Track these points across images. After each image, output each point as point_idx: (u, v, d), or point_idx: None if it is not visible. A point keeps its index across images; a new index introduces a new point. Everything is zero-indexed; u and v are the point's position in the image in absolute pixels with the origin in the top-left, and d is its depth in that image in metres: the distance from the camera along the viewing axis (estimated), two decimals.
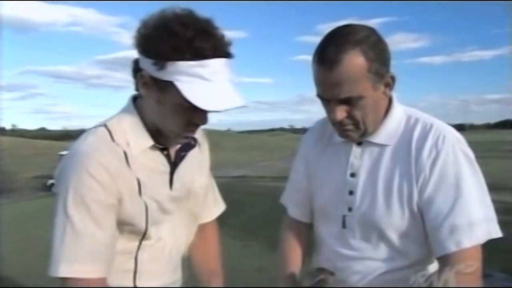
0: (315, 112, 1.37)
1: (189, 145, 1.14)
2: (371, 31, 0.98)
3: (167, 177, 1.10)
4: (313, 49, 1.03)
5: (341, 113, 0.99)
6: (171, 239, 1.17)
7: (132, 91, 1.08)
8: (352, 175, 1.10)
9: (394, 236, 1.05)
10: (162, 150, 1.08)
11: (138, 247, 1.10)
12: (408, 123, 1.07)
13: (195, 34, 0.88)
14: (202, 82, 0.89)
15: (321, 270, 1.11)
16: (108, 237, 0.99)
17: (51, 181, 12.79)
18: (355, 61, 0.93)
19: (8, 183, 14.87)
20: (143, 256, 1.11)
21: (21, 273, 4.92)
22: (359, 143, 1.11)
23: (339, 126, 1.04)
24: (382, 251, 1.08)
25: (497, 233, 0.97)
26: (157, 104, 0.97)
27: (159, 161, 1.09)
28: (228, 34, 0.96)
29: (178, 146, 1.12)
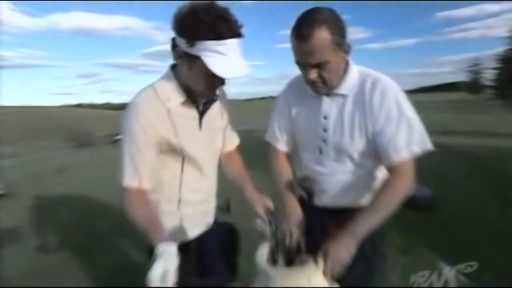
0: None
1: (212, 100, 1.31)
2: (332, 12, 1.11)
3: (197, 121, 1.30)
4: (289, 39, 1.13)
5: (313, 74, 1.16)
6: (203, 163, 1.35)
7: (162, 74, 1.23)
8: (325, 117, 1.28)
9: (356, 155, 1.26)
10: (192, 103, 1.27)
11: (181, 169, 1.31)
12: (361, 78, 1.24)
13: (215, 20, 1.02)
14: (220, 56, 1.05)
15: (307, 177, 1.39)
16: (147, 161, 1.20)
17: (115, 137, 14.02)
18: (322, 35, 1.07)
19: (88, 139, 17.10)
20: (185, 175, 1.32)
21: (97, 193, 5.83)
22: (328, 95, 1.27)
23: (312, 84, 1.21)
24: (348, 166, 1.29)
25: (429, 147, 1.20)
26: (188, 71, 1.15)
27: (191, 111, 1.28)
28: None
29: (204, 100, 1.29)
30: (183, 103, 1.23)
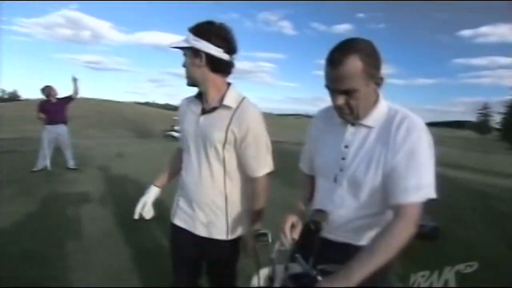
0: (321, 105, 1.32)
1: (215, 107, 1.31)
2: (370, 43, 1.00)
3: (197, 118, 1.35)
4: None
5: (341, 100, 1.03)
6: (194, 168, 1.36)
7: None
8: (346, 146, 1.11)
9: (368, 189, 1.06)
10: (201, 101, 1.36)
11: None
12: (389, 112, 1.07)
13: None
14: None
15: (320, 211, 1.12)
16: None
17: (167, 132, 14.57)
18: (354, 62, 0.96)
19: (147, 132, 17.71)
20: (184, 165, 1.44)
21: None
22: (353, 124, 1.11)
23: (339, 110, 1.08)
24: (360, 200, 1.09)
25: (433, 196, 1.00)
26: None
27: (197, 107, 1.37)
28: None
29: (212, 103, 1.33)
30: (194, 100, 1.42)
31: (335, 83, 1.01)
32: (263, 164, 1.36)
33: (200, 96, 1.39)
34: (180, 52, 1.34)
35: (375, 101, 1.09)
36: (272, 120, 31.16)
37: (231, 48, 1.31)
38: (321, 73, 1.07)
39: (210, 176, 1.35)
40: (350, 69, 0.97)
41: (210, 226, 1.38)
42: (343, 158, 1.11)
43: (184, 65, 1.34)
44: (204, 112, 1.35)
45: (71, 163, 6.51)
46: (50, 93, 6.29)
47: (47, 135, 6.23)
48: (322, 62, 1.04)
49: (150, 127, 19.78)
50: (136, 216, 1.46)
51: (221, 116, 1.31)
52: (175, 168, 1.54)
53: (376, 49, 1.02)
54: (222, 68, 1.32)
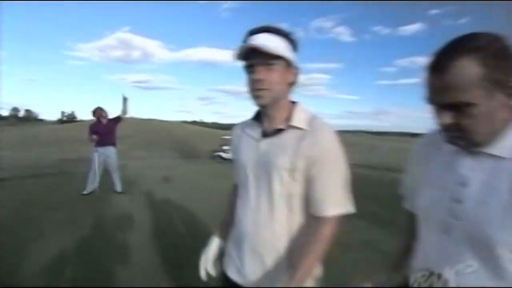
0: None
1: (280, 129, 1.13)
2: (497, 38, 0.74)
3: (257, 143, 1.17)
4: None
5: (447, 118, 0.78)
6: (252, 205, 1.16)
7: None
8: (462, 184, 0.83)
9: (505, 255, 0.74)
10: (259, 124, 1.19)
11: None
12: None
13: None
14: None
15: (430, 273, 0.86)
16: None
17: (215, 153, 14.89)
18: (466, 66, 0.72)
19: (194, 152, 17.97)
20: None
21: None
22: (472, 152, 0.83)
23: (446, 132, 0.82)
24: (486, 267, 0.77)
25: None
26: None
27: (255, 131, 1.20)
28: None
29: (276, 124, 1.14)
30: (251, 123, 1.26)
31: (439, 95, 0.77)
32: (335, 201, 1.10)
33: (258, 118, 1.21)
34: (228, 67, 1.24)
35: (508, 119, 0.78)
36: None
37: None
38: (386, 82, 0.87)
39: (271, 215, 1.13)
40: (461, 76, 0.73)
41: (270, 278, 1.15)
42: (458, 201, 0.82)
43: (258, 79, 1.08)
44: (265, 135, 1.17)
45: (118, 187, 6.61)
46: (101, 114, 6.50)
47: (97, 157, 6.40)
48: (387, 69, 0.83)
49: (198, 147, 20.14)
50: (204, 278, 1.30)
51: (288, 139, 1.12)
52: (235, 212, 1.30)
53: (510, 46, 0.74)
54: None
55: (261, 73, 1.07)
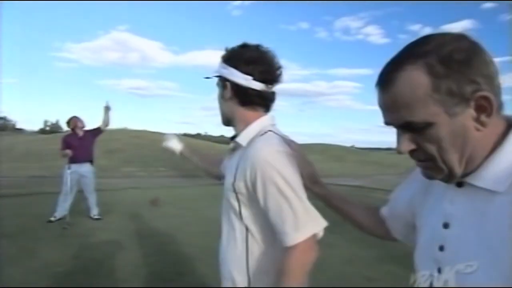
0: None
1: (234, 148, 1.31)
2: (453, 38, 0.70)
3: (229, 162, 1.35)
4: None
5: (406, 143, 0.75)
6: (222, 230, 1.33)
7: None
8: (445, 225, 0.79)
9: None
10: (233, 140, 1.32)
11: None
12: None
13: None
14: None
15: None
16: None
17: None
18: (412, 78, 0.69)
19: (193, 170, 18.44)
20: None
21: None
22: (459, 184, 0.78)
23: (416, 162, 0.79)
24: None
25: None
26: None
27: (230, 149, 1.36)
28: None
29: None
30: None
31: (389, 115, 0.76)
32: (292, 229, 1.14)
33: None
34: None
35: (494, 139, 0.73)
36: (354, 156, 29.92)
37: (266, 75, 1.27)
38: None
39: (230, 238, 1.30)
40: (408, 90, 0.70)
41: None
42: (441, 248, 0.80)
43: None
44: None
45: (94, 212, 6.56)
46: (76, 125, 6.48)
47: (69, 176, 6.31)
48: None
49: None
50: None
51: (235, 157, 1.29)
52: (214, 162, 1.64)
53: (470, 45, 0.69)
54: (254, 100, 1.29)
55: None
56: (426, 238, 0.86)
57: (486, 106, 0.68)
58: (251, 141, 1.23)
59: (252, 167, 1.16)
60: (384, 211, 1.14)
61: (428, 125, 0.70)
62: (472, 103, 0.69)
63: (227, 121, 1.36)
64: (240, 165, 1.21)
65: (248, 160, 1.19)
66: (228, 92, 1.29)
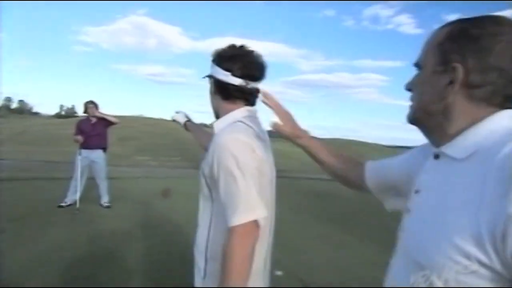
0: None
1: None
2: (485, 22, 0.78)
3: None
4: None
5: (410, 80, 0.94)
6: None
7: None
8: (416, 191, 0.87)
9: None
10: None
11: None
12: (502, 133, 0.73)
13: None
14: None
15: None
16: None
17: None
18: (438, 34, 0.85)
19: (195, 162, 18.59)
20: None
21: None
22: (436, 157, 0.86)
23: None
24: None
25: None
26: None
27: None
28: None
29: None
30: None
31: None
32: (234, 211, 1.25)
33: None
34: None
35: (479, 121, 0.79)
36: (377, 153, 29.33)
37: (244, 71, 1.40)
38: None
39: (201, 219, 1.46)
40: (429, 39, 0.89)
41: (194, 280, 1.49)
42: (408, 211, 0.90)
43: None
44: None
45: (104, 199, 6.63)
46: (91, 111, 6.49)
47: (80, 162, 6.39)
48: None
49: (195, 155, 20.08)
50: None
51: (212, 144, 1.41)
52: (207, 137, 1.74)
53: (489, 33, 0.77)
54: (234, 94, 1.44)
55: None
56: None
57: (455, 77, 0.79)
58: (222, 131, 1.36)
59: (213, 153, 1.30)
60: (371, 163, 1.25)
61: (421, 67, 0.89)
62: (449, 70, 0.81)
63: (215, 114, 1.52)
64: (208, 152, 1.34)
65: (212, 146, 1.32)
66: (213, 87, 1.48)
